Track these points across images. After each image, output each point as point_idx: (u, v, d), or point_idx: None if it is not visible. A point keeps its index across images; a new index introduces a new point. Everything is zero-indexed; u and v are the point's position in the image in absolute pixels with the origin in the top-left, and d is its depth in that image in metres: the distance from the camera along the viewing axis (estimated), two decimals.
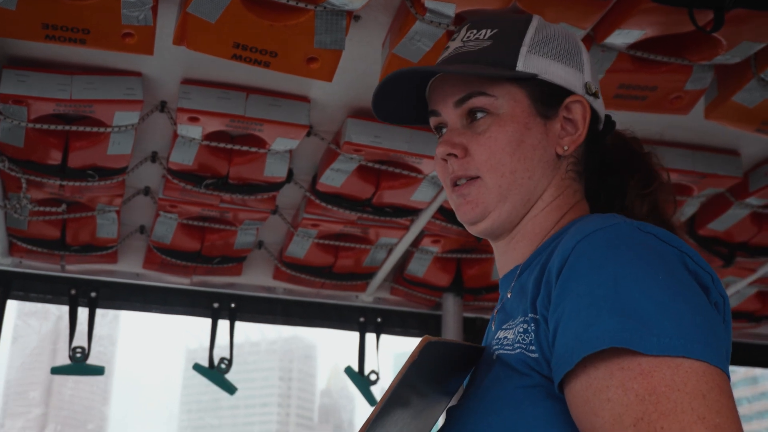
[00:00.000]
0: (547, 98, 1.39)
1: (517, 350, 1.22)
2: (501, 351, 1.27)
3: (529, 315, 1.21)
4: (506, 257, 1.42)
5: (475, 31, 1.44)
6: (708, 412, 1.02)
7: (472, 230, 1.42)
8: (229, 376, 3.73)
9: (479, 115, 1.39)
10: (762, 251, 3.45)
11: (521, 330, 1.22)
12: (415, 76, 1.49)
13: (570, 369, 1.09)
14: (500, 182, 1.36)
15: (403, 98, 1.52)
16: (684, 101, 2.50)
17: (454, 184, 1.41)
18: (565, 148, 1.38)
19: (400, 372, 1.16)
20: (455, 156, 1.39)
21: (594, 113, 1.42)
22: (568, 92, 1.40)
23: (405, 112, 1.56)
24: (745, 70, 2.44)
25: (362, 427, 1.13)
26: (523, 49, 1.39)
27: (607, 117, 1.48)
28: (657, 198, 1.40)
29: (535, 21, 1.44)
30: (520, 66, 1.38)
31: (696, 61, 2.37)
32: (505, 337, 1.27)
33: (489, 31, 1.43)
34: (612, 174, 1.46)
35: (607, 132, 1.49)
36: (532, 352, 1.19)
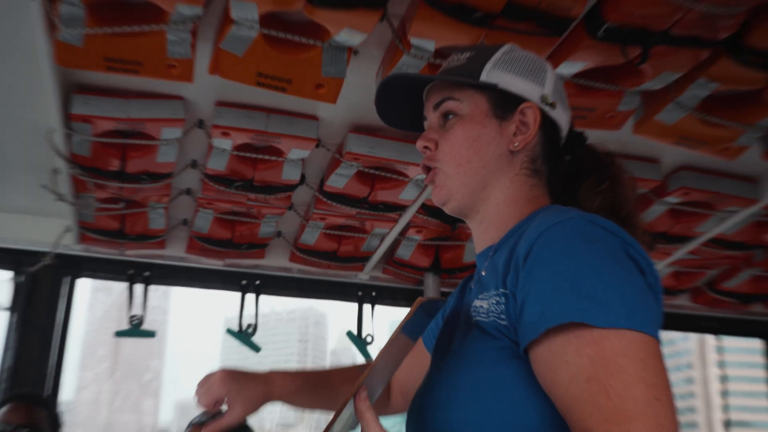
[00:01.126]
0: (504, 104, 1.38)
1: (491, 318, 1.21)
2: (478, 318, 1.26)
3: (500, 290, 1.20)
4: (481, 238, 1.42)
5: (459, 54, 1.45)
6: (646, 373, 1.02)
7: (445, 210, 1.45)
8: (255, 339, 3.74)
9: (450, 116, 1.41)
10: (677, 239, 3.45)
11: (494, 302, 1.21)
12: (408, 84, 1.51)
13: (535, 338, 1.09)
14: (458, 171, 1.38)
15: (404, 109, 1.54)
16: (616, 120, 2.50)
17: (427, 171, 1.43)
18: (516, 144, 1.37)
19: (399, 327, 1.19)
20: (428, 149, 1.42)
21: (550, 120, 1.40)
22: (525, 100, 1.38)
23: (408, 121, 1.56)
24: (665, 94, 2.42)
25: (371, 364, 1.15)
26: (488, 65, 1.39)
27: (580, 133, 1.47)
28: (610, 196, 1.38)
29: (506, 47, 1.43)
30: (483, 77, 1.38)
31: (626, 87, 2.36)
32: (481, 307, 1.25)
33: (468, 53, 1.44)
34: (577, 176, 1.43)
35: (574, 142, 1.47)
36: (503, 320, 1.18)
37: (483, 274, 1.34)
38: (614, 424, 0.99)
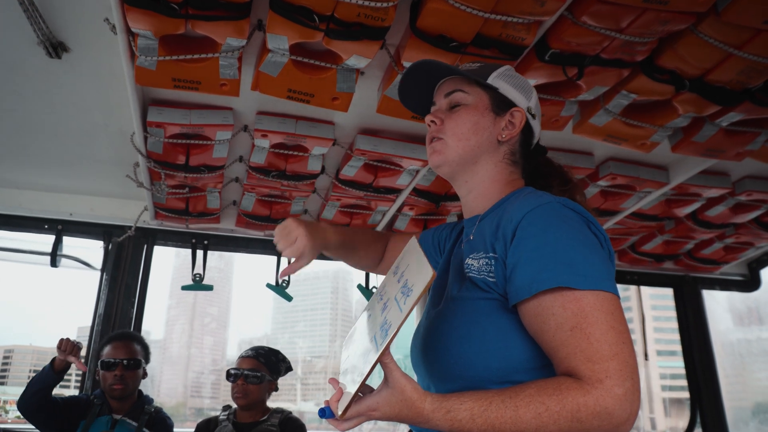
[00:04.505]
0: (501, 104, 1.40)
1: (482, 275, 1.22)
2: (470, 273, 1.26)
3: (490, 254, 1.21)
4: (469, 207, 1.42)
5: (471, 64, 1.46)
6: (615, 323, 1.05)
7: (438, 172, 1.44)
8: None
9: (457, 105, 1.41)
10: (607, 213, 3.45)
11: (484, 262, 1.22)
12: (432, 72, 1.47)
13: (528, 297, 1.11)
14: (456, 143, 1.38)
15: (415, 95, 1.53)
16: (560, 123, 2.49)
17: (431, 141, 1.43)
18: (503, 136, 1.38)
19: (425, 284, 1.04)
20: (434, 123, 1.42)
21: (529, 127, 1.43)
22: (515, 105, 1.40)
23: (415, 104, 1.56)
24: (596, 103, 2.43)
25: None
26: (494, 74, 1.41)
27: (542, 147, 1.50)
28: (569, 192, 1.40)
29: (508, 66, 1.45)
30: (490, 81, 1.39)
31: (567, 98, 2.36)
32: (473, 265, 1.26)
33: (479, 64, 1.45)
34: (546, 175, 1.46)
35: (540, 150, 1.49)
36: (492, 277, 1.19)
37: (471, 238, 1.34)
38: (596, 363, 1.02)
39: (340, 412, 1.08)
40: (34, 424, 2.80)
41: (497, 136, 1.39)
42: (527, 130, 1.43)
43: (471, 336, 1.19)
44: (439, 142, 1.41)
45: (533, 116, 1.43)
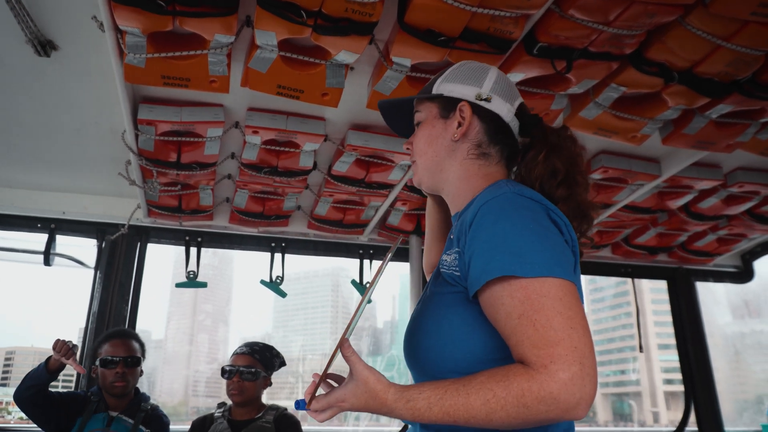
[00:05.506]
0: (448, 106, 1.40)
1: (451, 270, 1.23)
2: (441, 268, 1.28)
3: (456, 248, 1.22)
4: (451, 207, 1.43)
5: (433, 78, 1.47)
6: (563, 308, 1.04)
7: (422, 189, 1.50)
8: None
9: (418, 124, 1.45)
10: (599, 206, 3.46)
11: (453, 257, 1.23)
12: (397, 106, 1.54)
13: (479, 288, 1.12)
14: (420, 160, 1.44)
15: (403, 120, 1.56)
16: (550, 117, 2.49)
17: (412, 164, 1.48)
18: (455, 135, 1.38)
19: (386, 257, 1.34)
20: (409, 148, 1.48)
21: (487, 112, 1.38)
22: (461, 101, 1.39)
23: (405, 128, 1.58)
24: (586, 96, 2.43)
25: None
26: (438, 80, 1.43)
27: (534, 116, 1.44)
28: (549, 163, 1.35)
29: (458, 63, 1.45)
30: (434, 90, 1.42)
31: (556, 92, 2.36)
32: (445, 260, 1.27)
33: (435, 76, 1.47)
34: (525, 151, 1.41)
35: (529, 125, 1.42)
36: (457, 271, 1.20)
37: (451, 236, 1.35)
38: (541, 348, 1.02)
39: (307, 402, 1.17)
40: (30, 418, 2.81)
41: (450, 138, 1.39)
42: (487, 115, 1.38)
43: (438, 329, 1.22)
44: (413, 164, 1.48)
45: (487, 99, 1.38)
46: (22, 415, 2.77)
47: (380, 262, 3.82)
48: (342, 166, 3.01)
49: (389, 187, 3.22)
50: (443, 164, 1.40)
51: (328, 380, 1.28)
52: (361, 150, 2.86)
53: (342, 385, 1.18)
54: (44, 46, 2.21)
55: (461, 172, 1.38)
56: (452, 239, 1.32)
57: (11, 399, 2.81)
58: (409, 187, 3.28)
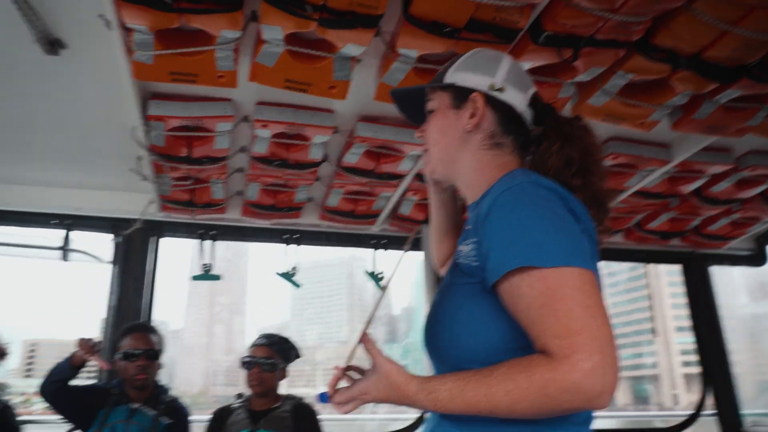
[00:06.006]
0: (460, 96, 1.38)
1: (467, 260, 1.22)
2: (458, 259, 1.27)
3: (473, 239, 1.21)
4: (467, 198, 1.41)
5: (445, 66, 1.45)
6: (583, 297, 1.04)
7: (434, 178, 1.50)
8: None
9: (430, 112, 1.44)
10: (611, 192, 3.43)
11: (471, 248, 1.21)
12: (407, 95, 1.52)
13: (498, 279, 1.11)
14: (433, 150, 1.43)
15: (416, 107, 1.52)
16: (557, 105, 2.49)
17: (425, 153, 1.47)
18: (468, 126, 1.36)
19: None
20: (421, 137, 1.47)
21: (501, 103, 1.36)
22: (474, 91, 1.37)
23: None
24: (594, 84, 2.42)
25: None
26: (451, 69, 1.41)
27: (547, 105, 1.42)
28: (563, 154, 1.33)
29: (471, 52, 1.43)
30: (447, 79, 1.40)
31: (564, 80, 2.35)
32: (462, 251, 1.26)
33: (446, 64, 1.44)
34: (539, 142, 1.38)
35: (543, 114, 1.40)
36: (475, 262, 1.19)
37: (467, 227, 1.34)
38: (562, 338, 1.01)
39: (330, 394, 1.19)
40: (54, 409, 2.88)
41: (463, 128, 1.37)
42: (501, 105, 1.37)
43: (456, 320, 1.21)
44: (426, 153, 1.46)
45: (500, 89, 1.37)
46: (47, 405, 2.85)
47: (395, 252, 3.86)
48: (352, 158, 3.01)
49: (400, 177, 3.22)
50: (456, 155, 1.38)
51: (350, 373, 1.28)
52: (371, 141, 2.87)
53: (364, 377, 1.19)
54: (53, 45, 2.23)
55: (475, 162, 1.37)
56: (468, 230, 1.30)
57: (35, 390, 2.89)
58: (420, 177, 3.28)
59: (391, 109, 2.69)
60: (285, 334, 3.40)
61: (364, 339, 1.18)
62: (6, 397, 3.06)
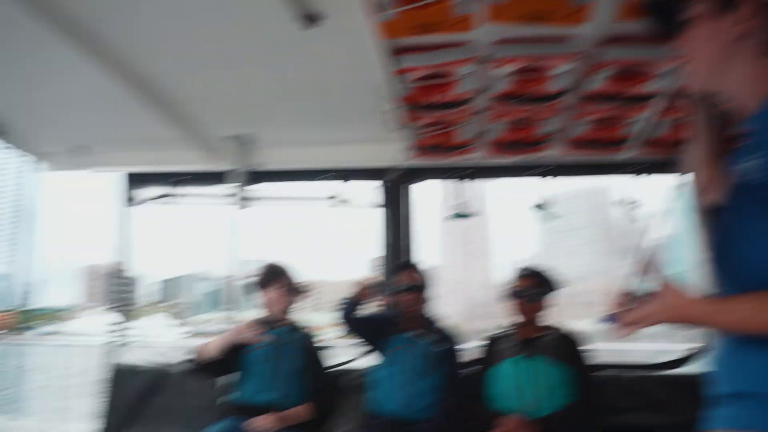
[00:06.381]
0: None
1: (758, 176, 1.16)
2: (745, 177, 1.20)
3: (761, 152, 1.15)
4: (742, 111, 1.29)
5: None
6: None
7: (696, 90, 1.41)
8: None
9: (688, 22, 1.35)
10: None
11: (760, 161, 1.15)
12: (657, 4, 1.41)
13: None
14: (696, 64, 1.34)
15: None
16: None
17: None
18: (738, 33, 1.26)
19: None
20: (680, 49, 1.39)
21: None
22: None
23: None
24: None
25: None
26: None
27: None
28: None
29: None
30: None
31: None
32: (748, 167, 1.19)
33: None
34: None
35: None
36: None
37: (747, 142, 1.25)
38: None
39: (618, 317, 1.26)
40: (355, 334, 3.45)
41: (733, 35, 1.25)
42: None
43: (748, 240, 1.17)
44: (686, 66, 1.36)
45: None
46: (344, 333, 3.42)
47: (649, 179, 3.67)
48: (596, 84, 2.91)
49: (649, 98, 3.04)
50: (725, 66, 1.28)
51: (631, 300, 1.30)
52: (616, 63, 2.74)
53: (648, 303, 1.23)
54: (310, 18, 2.47)
55: (750, 73, 1.26)
56: (750, 145, 1.22)
57: (325, 322, 3.55)
58: (673, 96, 3.05)
59: (634, 28, 2.53)
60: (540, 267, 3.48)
61: (645, 265, 1.22)
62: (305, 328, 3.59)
